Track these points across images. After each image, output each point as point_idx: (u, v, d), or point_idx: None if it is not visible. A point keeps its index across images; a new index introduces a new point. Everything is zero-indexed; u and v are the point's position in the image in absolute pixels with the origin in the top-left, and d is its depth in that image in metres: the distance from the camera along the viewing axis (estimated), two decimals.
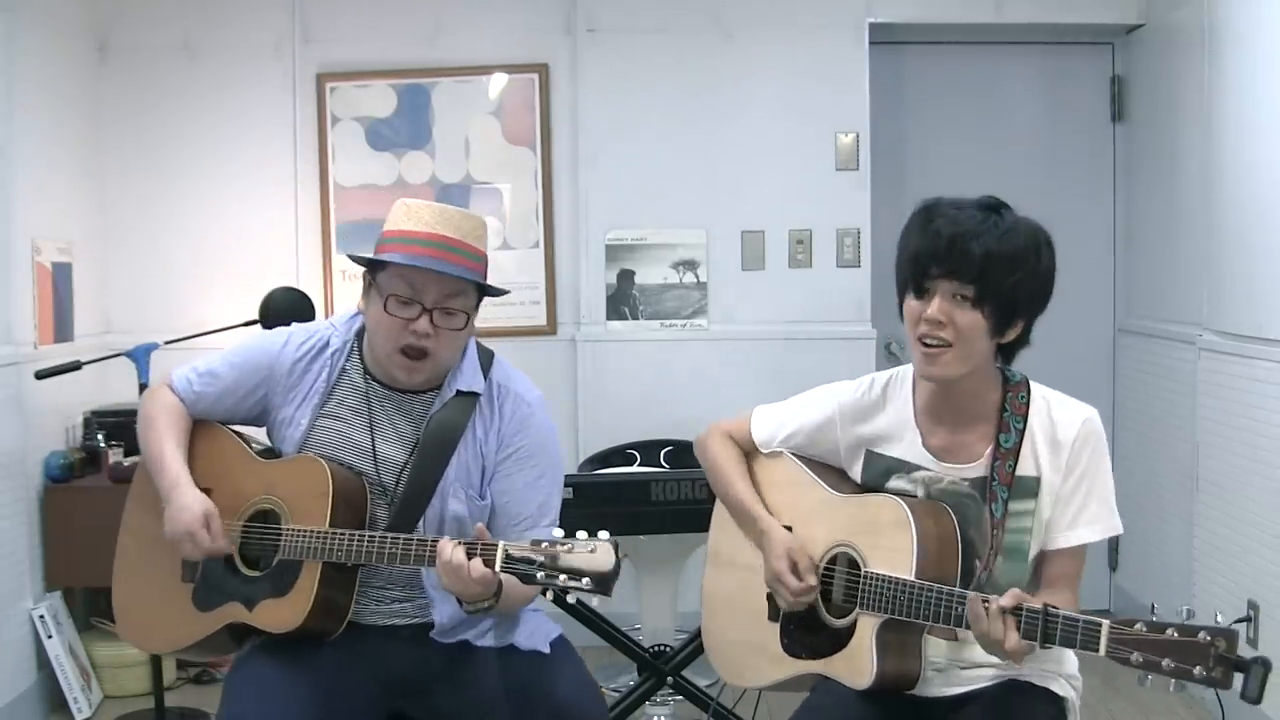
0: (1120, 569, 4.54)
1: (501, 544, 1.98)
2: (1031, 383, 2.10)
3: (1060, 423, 2.05)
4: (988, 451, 2.06)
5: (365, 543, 2.12)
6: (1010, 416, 2.05)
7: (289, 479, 2.24)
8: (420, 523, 2.23)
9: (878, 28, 4.37)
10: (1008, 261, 1.94)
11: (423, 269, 2.13)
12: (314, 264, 4.40)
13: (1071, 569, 2.04)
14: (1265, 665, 1.63)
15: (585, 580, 1.90)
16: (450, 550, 2.01)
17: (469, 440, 2.25)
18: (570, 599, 1.94)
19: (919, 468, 2.10)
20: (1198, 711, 3.72)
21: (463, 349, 2.28)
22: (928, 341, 1.99)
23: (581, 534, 1.94)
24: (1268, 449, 3.31)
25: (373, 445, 2.25)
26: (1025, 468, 2.04)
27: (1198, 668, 1.65)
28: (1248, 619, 3.33)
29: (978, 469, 2.06)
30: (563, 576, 1.91)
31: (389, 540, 2.11)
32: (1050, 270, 2.02)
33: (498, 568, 1.96)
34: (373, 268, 2.21)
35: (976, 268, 1.93)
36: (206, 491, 2.26)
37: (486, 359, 2.34)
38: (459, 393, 2.26)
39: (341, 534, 2.13)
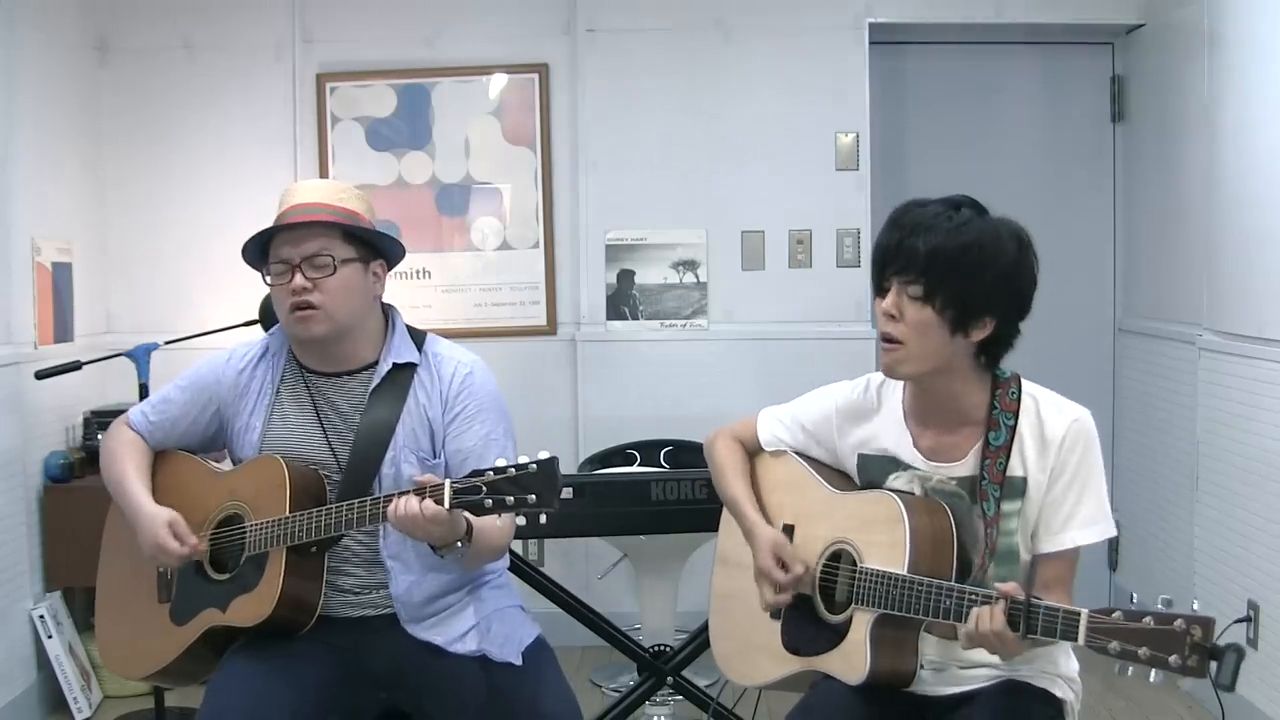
0: (1120, 569, 4.54)
1: (447, 481, 2.05)
2: (1023, 380, 2.09)
3: (1048, 422, 2.03)
4: (974, 450, 2.05)
5: (322, 517, 2.18)
6: (1000, 414, 2.04)
7: (248, 480, 2.31)
8: (375, 490, 2.29)
9: (878, 28, 4.37)
10: (954, 257, 1.94)
11: (271, 231, 2.28)
12: None
13: (1064, 573, 2.03)
14: (1239, 652, 1.62)
15: (531, 497, 1.99)
16: (402, 502, 2.07)
17: (412, 408, 2.33)
18: (520, 520, 2.07)
19: (911, 466, 2.10)
20: (1197, 712, 3.72)
21: (358, 300, 2.32)
22: (885, 338, 2.02)
23: (523, 457, 2.02)
24: (1268, 449, 3.31)
25: (324, 432, 2.32)
26: (1013, 468, 2.03)
27: (1173, 656, 1.64)
28: (1248, 619, 3.33)
29: (964, 467, 2.06)
30: (509, 498, 1.99)
31: (344, 508, 2.17)
32: (1017, 266, 1.98)
33: (447, 504, 2.03)
34: (261, 261, 2.34)
35: (921, 264, 1.94)
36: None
37: (419, 336, 2.43)
38: (395, 366, 2.34)
39: (300, 515, 2.20)
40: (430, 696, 2.26)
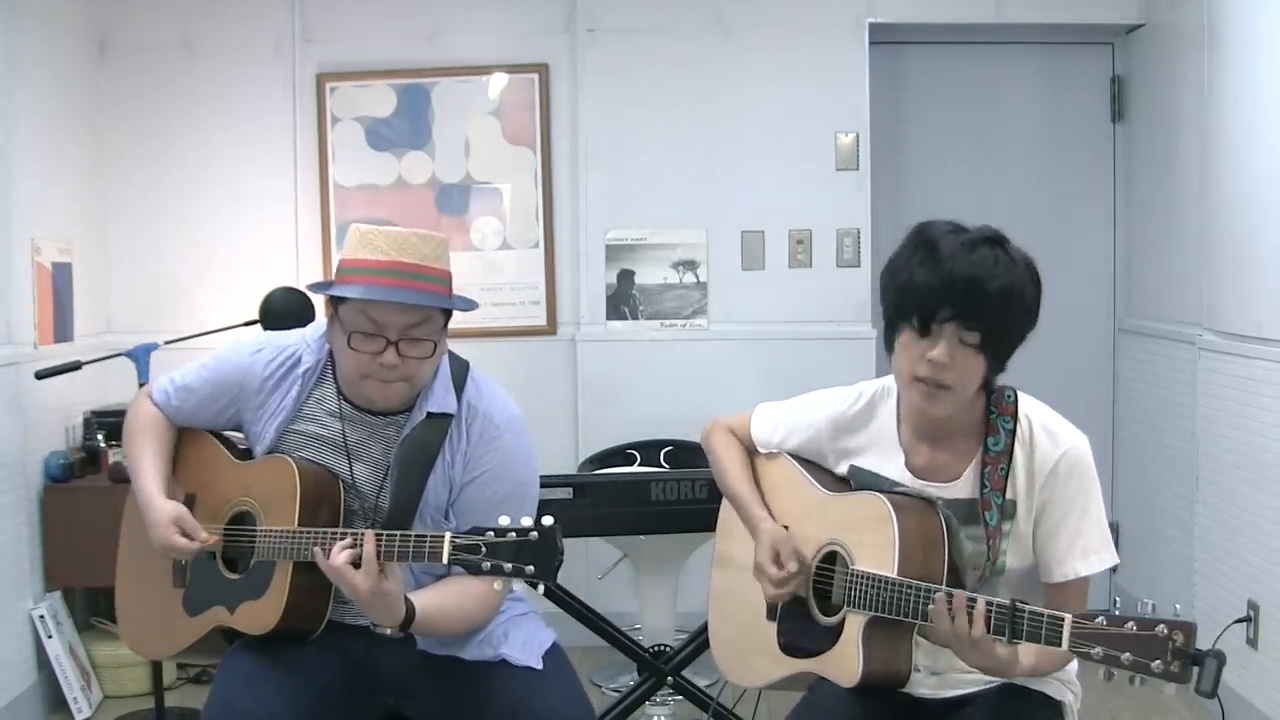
0: (1120, 569, 4.52)
1: (448, 534, 1.97)
2: (1020, 394, 2.06)
3: (1039, 449, 2.01)
4: (970, 469, 2.04)
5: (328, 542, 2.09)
6: (998, 418, 2.02)
7: (261, 480, 2.25)
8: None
9: (878, 28, 4.37)
10: (1016, 303, 1.90)
11: (382, 302, 2.09)
12: (314, 264, 4.40)
13: (1075, 602, 1.99)
14: (1220, 659, 1.62)
15: (529, 568, 1.92)
16: (335, 554, 2.00)
17: (440, 464, 2.22)
18: (516, 586, 2.00)
19: (899, 484, 2.08)
20: (1198, 711, 3.72)
21: (436, 366, 2.22)
22: (933, 383, 1.95)
23: (526, 520, 1.96)
24: (1267, 449, 3.31)
25: (350, 467, 2.24)
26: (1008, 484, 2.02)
27: (1156, 661, 1.64)
28: (1248, 619, 3.33)
29: (959, 489, 2.04)
30: (507, 565, 1.93)
31: (344, 536, 2.07)
32: (1039, 301, 1.96)
33: (445, 559, 1.97)
34: (334, 300, 2.16)
35: (992, 313, 1.88)
36: (192, 497, 2.32)
37: (460, 375, 2.28)
38: (430, 415, 2.21)
39: (306, 533, 2.12)
40: (447, 703, 2.20)
